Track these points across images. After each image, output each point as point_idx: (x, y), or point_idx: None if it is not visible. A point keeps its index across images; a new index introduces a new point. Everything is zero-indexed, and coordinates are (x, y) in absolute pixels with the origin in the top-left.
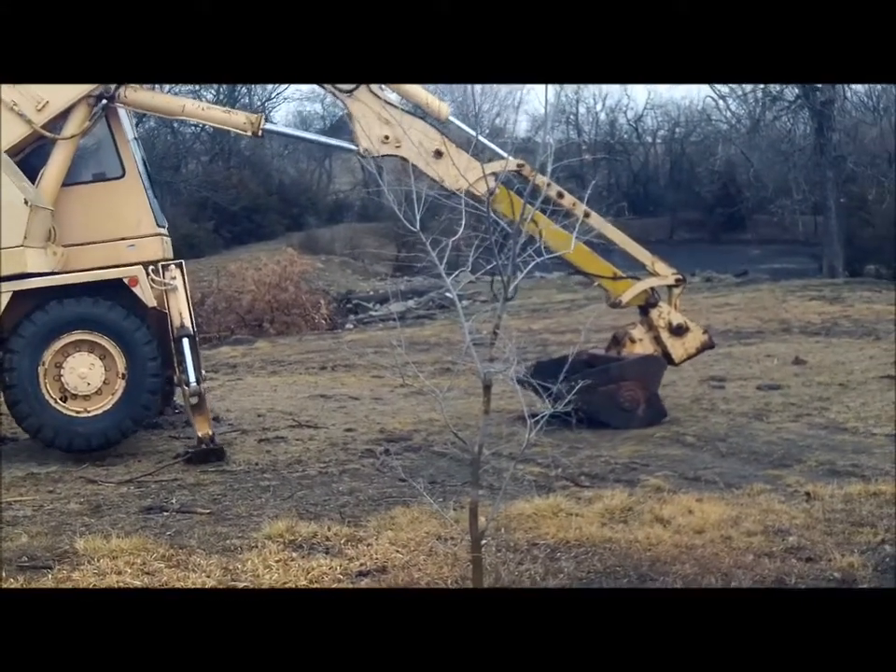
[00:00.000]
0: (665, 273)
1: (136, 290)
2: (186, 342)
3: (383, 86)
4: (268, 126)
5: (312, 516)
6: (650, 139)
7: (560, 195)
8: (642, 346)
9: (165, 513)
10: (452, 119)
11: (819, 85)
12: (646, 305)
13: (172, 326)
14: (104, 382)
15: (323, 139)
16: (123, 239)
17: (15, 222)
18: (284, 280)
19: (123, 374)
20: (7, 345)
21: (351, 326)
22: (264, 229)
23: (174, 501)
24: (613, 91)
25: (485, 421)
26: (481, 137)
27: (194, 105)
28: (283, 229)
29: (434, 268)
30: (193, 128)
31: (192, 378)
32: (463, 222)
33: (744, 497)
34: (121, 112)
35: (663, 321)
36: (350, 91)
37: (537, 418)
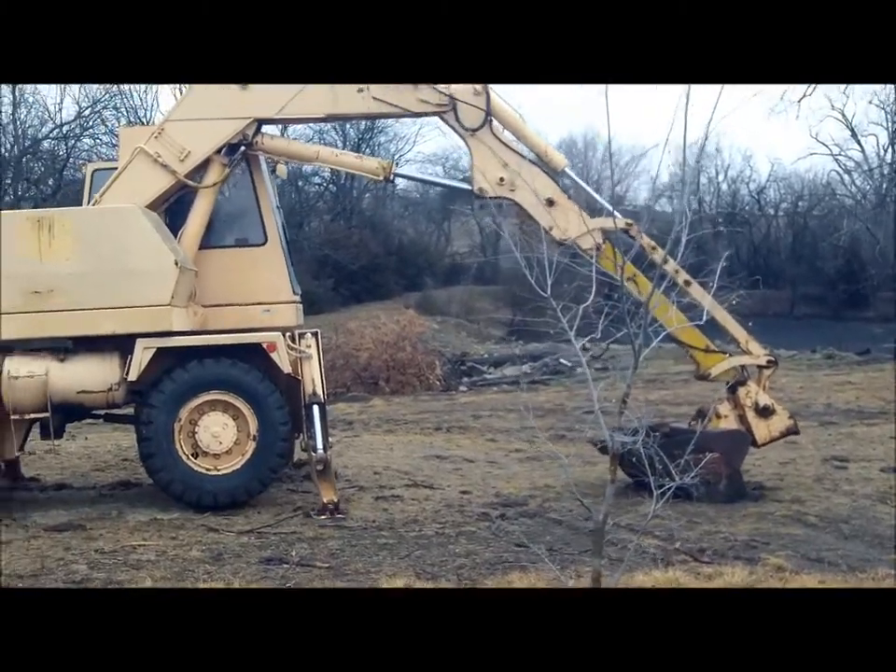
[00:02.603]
0: (757, 353)
1: (274, 356)
2: (316, 409)
3: (503, 129)
4: (397, 171)
5: (429, 576)
6: (772, 211)
7: (665, 260)
8: (727, 423)
9: (285, 565)
10: (567, 171)
11: None
12: (734, 382)
13: (304, 393)
14: (235, 442)
15: (443, 181)
16: (260, 304)
17: (164, 282)
18: (402, 340)
19: (254, 436)
20: (147, 400)
21: (465, 388)
22: (382, 288)
23: (293, 554)
24: (735, 163)
25: (611, 489)
26: (592, 192)
27: (328, 152)
28: (400, 289)
29: (559, 334)
30: (317, 186)
31: (320, 445)
32: (594, 289)
33: (868, 581)
34: (267, 180)
35: (750, 400)
36: (473, 131)
37: (662, 489)
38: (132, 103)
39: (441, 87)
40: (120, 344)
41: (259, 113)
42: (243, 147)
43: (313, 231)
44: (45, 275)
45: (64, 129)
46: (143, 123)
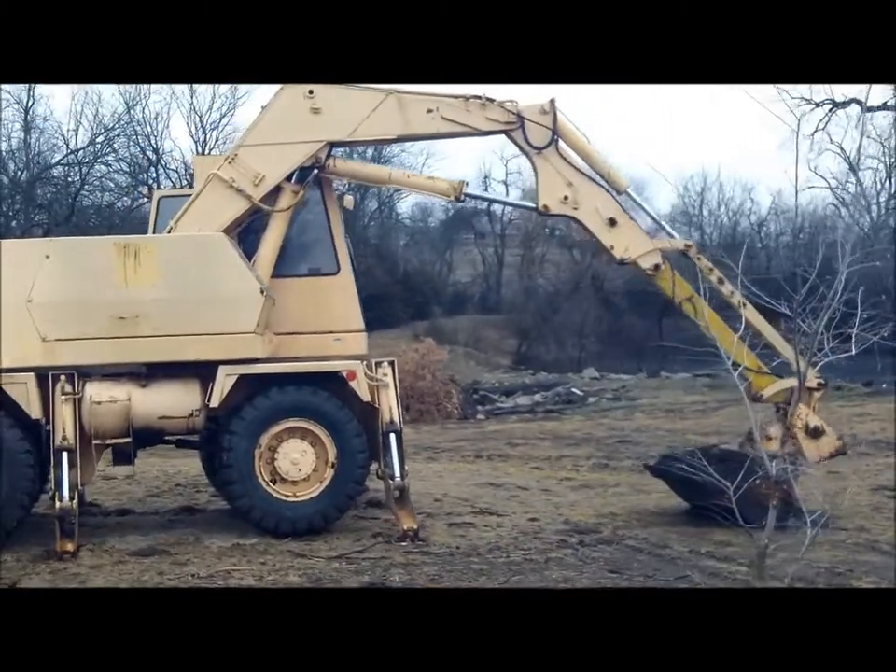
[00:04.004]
0: (808, 375)
1: (353, 384)
2: (393, 437)
3: (568, 149)
4: (467, 190)
5: None
6: (772, 244)
7: (720, 281)
8: (777, 445)
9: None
10: (630, 192)
11: None
12: (785, 404)
13: (381, 421)
14: (313, 469)
15: (510, 200)
16: (331, 332)
17: (250, 309)
18: (421, 368)
19: (333, 463)
20: (228, 427)
21: (482, 416)
22: (389, 317)
23: (395, 578)
24: (737, 196)
25: (773, 514)
26: (653, 213)
27: (400, 174)
28: (406, 318)
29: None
30: None
31: (397, 473)
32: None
33: None
34: (338, 209)
35: (800, 422)
36: (540, 149)
37: (814, 517)
38: (144, 131)
39: (509, 105)
40: (199, 371)
41: (332, 136)
42: (315, 171)
43: None
44: (130, 302)
45: (78, 155)
46: (155, 150)
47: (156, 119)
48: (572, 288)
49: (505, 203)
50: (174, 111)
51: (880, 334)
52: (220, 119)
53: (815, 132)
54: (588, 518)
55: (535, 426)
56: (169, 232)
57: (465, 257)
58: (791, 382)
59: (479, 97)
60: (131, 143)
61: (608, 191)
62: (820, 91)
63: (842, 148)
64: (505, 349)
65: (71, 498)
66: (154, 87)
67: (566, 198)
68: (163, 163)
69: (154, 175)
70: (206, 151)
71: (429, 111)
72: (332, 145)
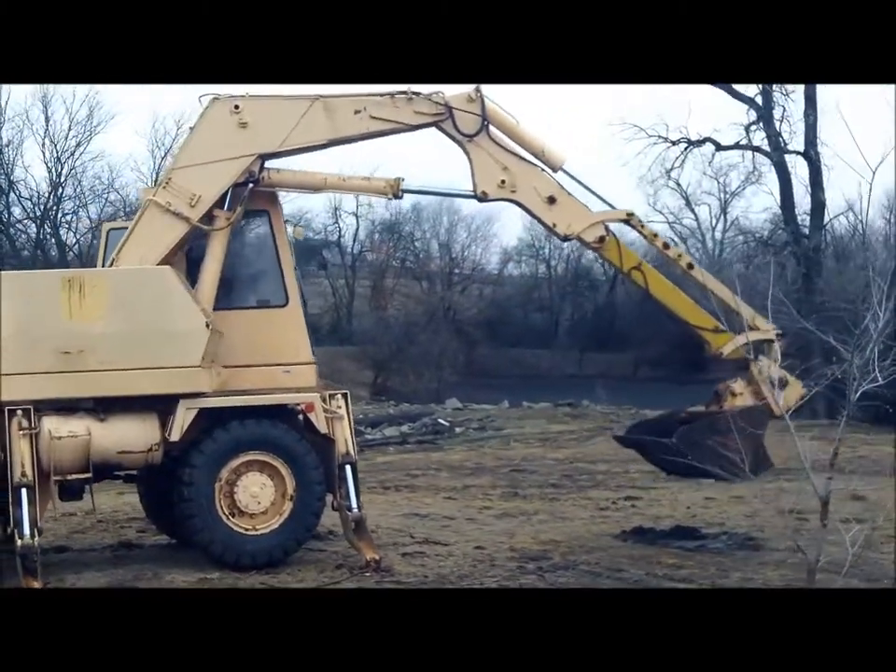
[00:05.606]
0: (765, 328)
1: (311, 416)
2: (349, 468)
3: (501, 133)
4: (405, 186)
5: None
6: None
7: (666, 246)
8: (743, 400)
9: None
10: (564, 169)
11: (808, 231)
12: (746, 359)
13: (337, 452)
14: (271, 502)
15: (448, 191)
16: (280, 364)
17: (195, 343)
18: None
19: (291, 496)
20: (188, 460)
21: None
22: None
23: None
24: None
25: (823, 534)
26: (589, 187)
27: (335, 178)
28: None
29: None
30: None
31: (354, 504)
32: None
33: None
34: (287, 240)
35: (763, 375)
36: (471, 136)
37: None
38: None
39: (436, 97)
40: (156, 404)
41: (262, 148)
42: (250, 185)
43: None
44: (75, 336)
45: None
46: (7, 178)
47: (7, 146)
48: (427, 319)
49: (444, 195)
50: (27, 137)
51: None
52: (77, 146)
53: (671, 169)
54: (531, 546)
55: (421, 456)
56: (112, 264)
57: (315, 288)
58: (750, 335)
59: (404, 92)
60: None
61: (543, 170)
62: (676, 130)
63: (679, 184)
64: (362, 380)
65: (32, 535)
66: (8, 113)
67: (503, 182)
68: (16, 192)
69: (5, 203)
70: (62, 180)
71: (357, 112)
72: (264, 157)
